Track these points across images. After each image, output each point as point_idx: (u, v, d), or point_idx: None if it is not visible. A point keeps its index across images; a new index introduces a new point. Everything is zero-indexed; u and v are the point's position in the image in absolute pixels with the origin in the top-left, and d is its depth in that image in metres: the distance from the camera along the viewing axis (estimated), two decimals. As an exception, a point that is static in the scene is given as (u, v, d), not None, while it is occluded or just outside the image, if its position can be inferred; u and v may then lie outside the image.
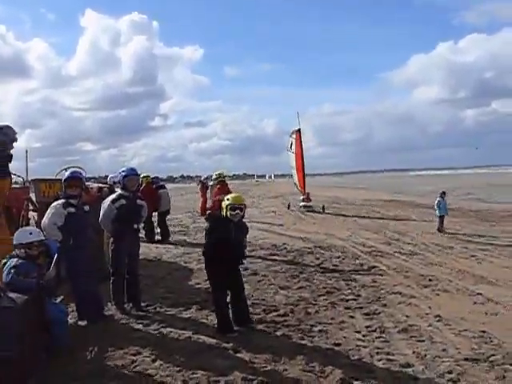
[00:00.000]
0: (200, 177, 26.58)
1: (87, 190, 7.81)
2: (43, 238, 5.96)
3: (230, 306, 6.73)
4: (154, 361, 5.47)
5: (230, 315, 6.64)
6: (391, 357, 5.64)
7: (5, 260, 5.64)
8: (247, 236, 7.11)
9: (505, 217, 21.81)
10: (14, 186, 8.08)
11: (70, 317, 6.58)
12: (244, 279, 7.55)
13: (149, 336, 6.33)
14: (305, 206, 25.93)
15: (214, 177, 13.87)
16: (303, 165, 27.29)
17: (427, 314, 7.34)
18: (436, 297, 8.41)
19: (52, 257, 5.93)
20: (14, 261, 5.57)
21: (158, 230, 15.27)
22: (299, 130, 27.06)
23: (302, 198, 26.89)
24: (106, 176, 14.39)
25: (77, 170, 7.21)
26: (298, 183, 27.76)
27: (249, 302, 7.28)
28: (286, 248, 13.16)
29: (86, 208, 6.94)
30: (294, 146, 27.23)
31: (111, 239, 7.42)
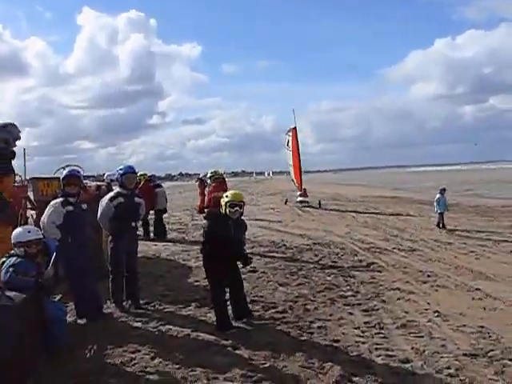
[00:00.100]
0: (198, 174, 26.62)
1: (85, 189, 7.81)
2: (41, 236, 5.96)
3: (229, 303, 6.75)
4: (153, 358, 5.46)
5: (229, 312, 6.65)
6: (390, 353, 5.65)
7: (3, 259, 5.64)
8: (246, 233, 7.12)
9: (503, 212, 21.86)
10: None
11: (68, 315, 6.57)
12: (243, 276, 7.55)
13: (148, 333, 6.33)
14: (301, 202, 26.50)
15: (208, 175, 13.90)
16: (299, 162, 27.97)
17: (426, 309, 7.35)
18: (435, 292, 8.42)
19: (50, 255, 5.92)
20: (12, 259, 5.56)
21: (152, 229, 15.28)
22: (295, 128, 27.73)
23: (298, 193, 27.51)
24: (103, 174, 14.38)
25: (75, 168, 7.20)
26: (294, 180, 28.56)
27: (248, 299, 7.29)
28: (284, 245, 13.16)
29: (84, 206, 6.93)
30: (290, 144, 27.90)
31: (110, 237, 7.42)
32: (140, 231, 12.52)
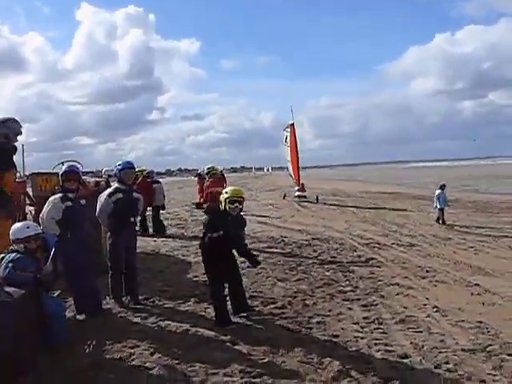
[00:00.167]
0: (197, 170, 26.63)
1: (84, 184, 7.80)
2: (40, 231, 5.97)
3: (228, 298, 6.76)
4: (152, 354, 5.46)
5: (228, 308, 6.66)
6: (389, 348, 5.67)
7: (3, 254, 5.64)
8: (245, 229, 7.12)
9: (502, 208, 21.89)
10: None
11: (68, 311, 6.58)
12: (242, 272, 7.56)
13: (147, 329, 6.32)
14: (299, 197, 26.95)
15: (205, 171, 13.91)
16: (297, 157, 28.59)
17: (425, 305, 7.38)
18: (433, 288, 8.44)
19: (49, 251, 5.93)
20: (12, 255, 5.57)
21: (151, 224, 15.28)
22: (293, 124, 28.29)
23: (296, 188, 28.04)
24: (102, 170, 14.37)
25: (74, 163, 7.19)
26: (292, 175, 29.17)
27: (247, 295, 7.30)
28: (283, 240, 13.16)
29: (83, 202, 6.91)
30: (288, 140, 28.48)
31: (108, 233, 7.41)
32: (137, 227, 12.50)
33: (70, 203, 6.66)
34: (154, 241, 13.29)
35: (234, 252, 6.76)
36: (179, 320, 6.60)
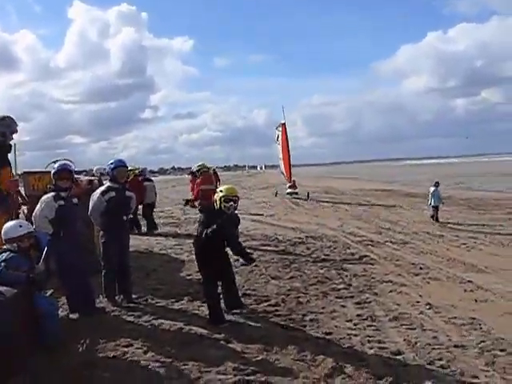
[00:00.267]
0: (190, 168, 26.65)
1: (77, 183, 7.77)
2: (33, 229, 5.95)
3: (221, 296, 6.76)
4: (145, 352, 5.46)
5: (222, 306, 6.67)
6: (382, 345, 5.69)
7: (-5, 254, 5.61)
8: (239, 227, 7.12)
9: (495, 205, 21.95)
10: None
11: (61, 310, 6.57)
12: (235, 270, 7.57)
13: (140, 328, 6.32)
14: (291, 193, 27.84)
15: (196, 168, 13.96)
16: (289, 155, 29.81)
17: (418, 302, 7.40)
18: (427, 285, 8.47)
19: (42, 250, 5.91)
20: (4, 255, 5.54)
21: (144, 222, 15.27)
22: (284, 124, 29.62)
23: (288, 185, 28.93)
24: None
25: (67, 162, 7.15)
26: (284, 172, 30.36)
27: (240, 293, 7.31)
28: (277, 238, 13.17)
29: (75, 201, 6.88)
30: (280, 138, 29.90)
31: (101, 232, 7.40)
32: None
33: (62, 202, 6.63)
34: (147, 239, 13.28)
35: (228, 250, 6.76)
36: (172, 318, 6.60)
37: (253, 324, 6.43)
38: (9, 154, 7.36)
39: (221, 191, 6.61)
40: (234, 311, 6.78)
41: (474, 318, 6.55)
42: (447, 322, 6.48)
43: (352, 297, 7.67)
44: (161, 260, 10.67)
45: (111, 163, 7.40)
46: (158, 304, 7.36)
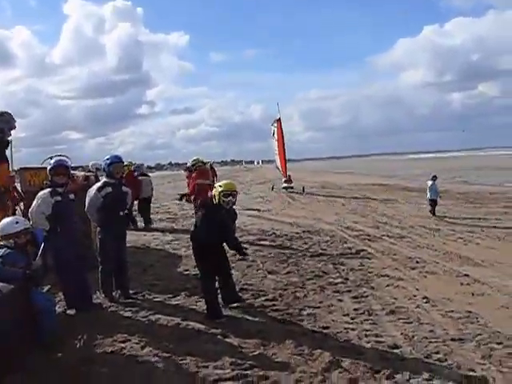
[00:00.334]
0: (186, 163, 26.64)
1: (73, 179, 7.75)
2: (29, 225, 5.94)
3: (218, 290, 6.77)
4: (143, 347, 5.46)
5: (219, 301, 6.68)
6: (379, 338, 5.71)
7: (-8, 250, 5.60)
8: (236, 222, 7.12)
9: (492, 199, 21.99)
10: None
11: (58, 306, 6.56)
12: (232, 265, 7.58)
13: (138, 323, 6.32)
14: (286, 188, 28.49)
15: (191, 163, 13.98)
16: (284, 150, 30.67)
17: (415, 295, 7.41)
18: (423, 279, 8.49)
19: (38, 246, 5.90)
20: (1, 251, 5.53)
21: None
22: (279, 120, 30.37)
23: (283, 180, 29.69)
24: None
25: (63, 158, 7.13)
26: (280, 167, 31.26)
27: (237, 288, 7.33)
28: (274, 233, 13.19)
29: (72, 196, 6.87)
30: (275, 134, 30.68)
31: (98, 227, 7.39)
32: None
33: (59, 198, 6.61)
34: (145, 235, 13.28)
35: (224, 244, 6.76)
36: (170, 313, 6.61)
37: (250, 319, 6.44)
38: (6, 151, 7.36)
39: (220, 186, 6.62)
40: (232, 305, 6.80)
41: (470, 312, 6.57)
42: (444, 315, 6.50)
43: (349, 291, 7.68)
44: (158, 255, 10.67)
45: (107, 159, 7.38)
46: (156, 299, 7.37)
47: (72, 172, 7.36)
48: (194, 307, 6.93)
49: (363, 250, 10.86)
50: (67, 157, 7.03)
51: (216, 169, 30.78)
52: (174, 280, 8.39)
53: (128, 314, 6.71)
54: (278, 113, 30.95)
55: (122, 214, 7.45)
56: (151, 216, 15.78)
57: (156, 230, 14.41)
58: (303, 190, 27.55)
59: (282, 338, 5.62)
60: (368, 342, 5.59)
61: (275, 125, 30.82)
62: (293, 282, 8.20)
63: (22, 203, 8.06)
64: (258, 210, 18.81)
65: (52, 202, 6.54)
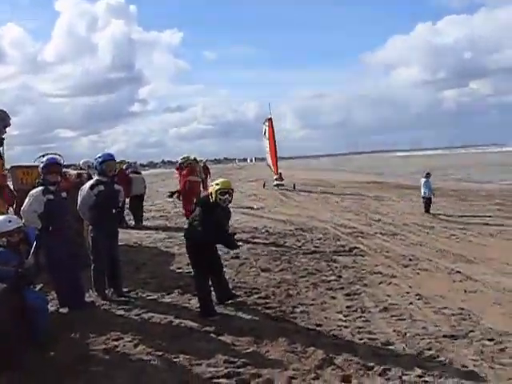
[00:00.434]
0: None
1: (65, 177, 7.73)
2: (22, 224, 5.92)
3: (212, 288, 6.77)
4: (136, 346, 5.46)
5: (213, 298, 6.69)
6: (372, 336, 5.72)
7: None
8: (230, 219, 7.13)
9: (484, 196, 22.10)
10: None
11: (50, 304, 6.55)
12: (226, 263, 7.58)
13: (131, 321, 6.32)
14: (278, 185, 29.20)
15: (180, 161, 14.00)
16: (275, 149, 31.58)
17: (408, 292, 7.43)
18: (416, 276, 8.51)
19: (31, 244, 5.88)
20: (-6, 250, 5.52)
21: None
22: (271, 119, 31.50)
23: (275, 177, 30.45)
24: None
25: (55, 156, 7.11)
26: (271, 165, 32.04)
27: (231, 285, 7.33)
28: (267, 231, 13.17)
29: (64, 194, 6.85)
30: (267, 133, 31.65)
31: (90, 226, 7.37)
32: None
33: (51, 196, 6.59)
34: (137, 233, 13.25)
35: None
36: (163, 311, 6.60)
37: (243, 316, 6.44)
38: (0, 148, 7.35)
39: (217, 184, 6.62)
40: (225, 303, 6.80)
41: (463, 309, 6.60)
42: (437, 312, 6.52)
43: (342, 288, 7.69)
44: (151, 253, 10.64)
45: (99, 157, 7.36)
46: (149, 297, 7.36)
47: (64, 170, 7.34)
48: (187, 305, 6.92)
49: (356, 248, 10.87)
50: (59, 155, 7.00)
51: (209, 167, 30.89)
52: (167, 278, 8.37)
53: (121, 312, 6.70)
54: (270, 113, 31.97)
55: (114, 211, 7.43)
56: (144, 214, 15.74)
57: (149, 227, 14.39)
58: (294, 187, 28.06)
59: (275, 335, 5.62)
60: (361, 339, 5.61)
61: (267, 124, 31.77)
62: (286, 279, 8.21)
63: (14, 204, 8.04)
64: (252, 208, 18.80)
65: (44, 201, 6.52)
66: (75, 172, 9.89)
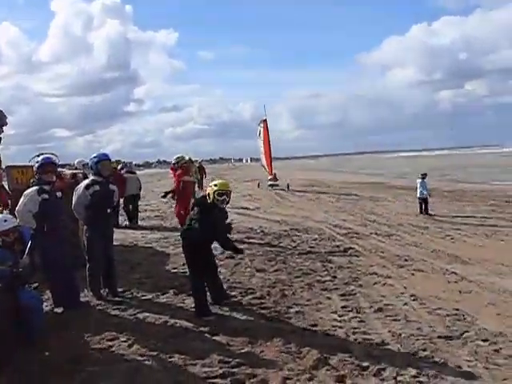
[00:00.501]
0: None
1: (60, 177, 7.71)
2: (17, 223, 5.91)
3: (206, 288, 6.77)
4: (130, 346, 5.45)
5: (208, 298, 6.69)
6: (367, 336, 5.72)
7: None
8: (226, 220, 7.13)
9: (479, 197, 22.15)
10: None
11: (45, 304, 6.54)
12: (221, 263, 7.57)
13: (125, 321, 6.31)
14: (272, 185, 29.78)
15: (174, 161, 14.02)
16: (270, 150, 32.22)
17: (402, 293, 7.44)
18: (411, 276, 8.52)
19: (26, 244, 5.86)
20: (-12, 250, 5.51)
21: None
22: (265, 120, 32.04)
23: (269, 177, 31.12)
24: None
25: (50, 155, 7.09)
26: (265, 165, 32.68)
27: (225, 286, 7.34)
28: (262, 231, 13.17)
29: (59, 194, 6.83)
30: (262, 134, 32.26)
31: (85, 226, 7.35)
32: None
33: (46, 196, 6.57)
34: (133, 233, 13.23)
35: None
36: (158, 311, 6.59)
37: (238, 316, 6.43)
38: None
39: (215, 185, 6.63)
40: (220, 303, 6.80)
41: (457, 309, 6.62)
42: (431, 313, 6.53)
43: (337, 289, 7.69)
44: (146, 253, 10.62)
45: (94, 157, 7.33)
46: (143, 297, 7.34)
47: (59, 170, 7.32)
48: (182, 305, 6.92)
49: (351, 248, 10.89)
50: (55, 154, 6.98)
51: (205, 167, 30.93)
52: (162, 278, 8.36)
53: (116, 312, 6.69)
54: (265, 114, 32.61)
55: (109, 211, 7.41)
56: (139, 214, 15.72)
57: (144, 227, 14.37)
58: (288, 187, 28.34)
59: (270, 335, 5.63)
60: (356, 340, 5.61)
61: (261, 125, 32.27)
62: (281, 279, 8.21)
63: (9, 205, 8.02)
64: (247, 208, 18.79)
65: (39, 200, 6.49)
66: (70, 172, 9.86)
